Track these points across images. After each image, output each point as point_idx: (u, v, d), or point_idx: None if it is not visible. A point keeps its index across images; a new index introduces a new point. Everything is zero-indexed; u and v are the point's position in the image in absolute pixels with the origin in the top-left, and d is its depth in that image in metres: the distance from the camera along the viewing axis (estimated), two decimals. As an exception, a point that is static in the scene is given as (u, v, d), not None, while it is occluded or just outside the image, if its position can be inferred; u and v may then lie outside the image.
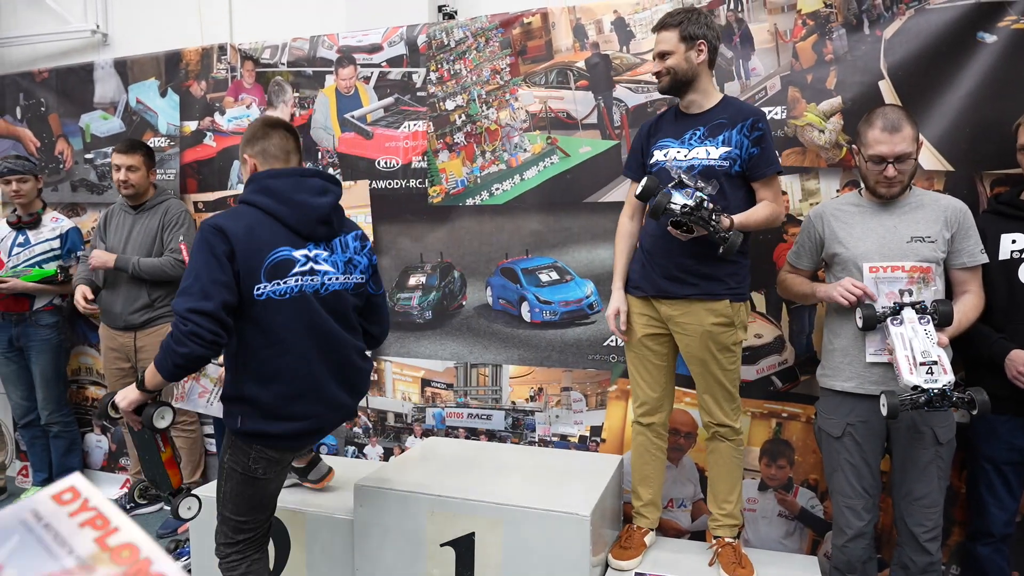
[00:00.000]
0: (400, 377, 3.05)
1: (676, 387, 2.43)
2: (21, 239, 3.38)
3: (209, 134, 3.36)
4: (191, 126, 3.40)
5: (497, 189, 2.87)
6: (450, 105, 2.92)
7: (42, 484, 3.56)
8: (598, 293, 2.74)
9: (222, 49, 3.31)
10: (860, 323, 1.95)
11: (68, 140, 3.69)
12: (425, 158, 2.96)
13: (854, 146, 2.12)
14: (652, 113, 2.62)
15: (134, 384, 1.79)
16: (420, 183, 2.97)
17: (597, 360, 2.75)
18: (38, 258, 3.35)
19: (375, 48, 3.02)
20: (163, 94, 3.45)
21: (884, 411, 1.83)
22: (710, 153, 2.13)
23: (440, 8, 3.16)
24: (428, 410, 3.01)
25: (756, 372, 2.55)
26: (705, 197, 1.95)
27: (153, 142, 3.46)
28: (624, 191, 2.44)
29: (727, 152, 2.11)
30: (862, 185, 2.16)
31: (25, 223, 3.37)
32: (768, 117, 2.46)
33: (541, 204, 2.81)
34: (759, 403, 2.56)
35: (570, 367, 2.79)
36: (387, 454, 3.08)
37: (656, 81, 2.22)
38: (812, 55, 2.46)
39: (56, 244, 3.39)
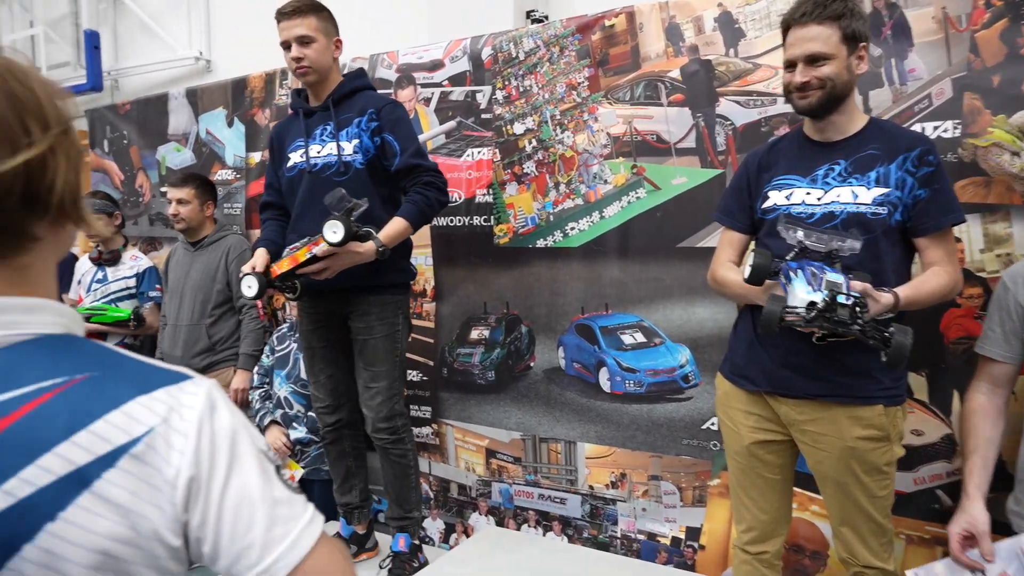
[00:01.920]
0: (463, 444, 2.63)
1: (796, 488, 1.83)
2: (100, 275, 3.33)
3: (271, 166, 3.11)
4: (256, 157, 3.18)
5: (572, 229, 2.37)
6: (519, 128, 2.46)
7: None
8: (695, 362, 2.17)
9: (284, 74, 3.05)
10: None
11: (146, 173, 3.62)
12: (491, 191, 2.52)
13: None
14: (768, 134, 2.02)
15: (366, 248, 1.92)
16: (485, 220, 2.54)
17: (695, 446, 2.19)
18: (112, 296, 3.27)
19: (436, 65, 2.62)
20: (229, 124, 3.26)
21: None
22: (858, 196, 1.51)
23: (528, 14, 2.71)
24: (494, 484, 2.58)
25: (914, 482, 1.89)
26: (842, 286, 1.35)
27: (220, 175, 3.29)
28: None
29: (884, 195, 1.49)
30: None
31: (105, 260, 3.32)
32: (935, 136, 1.81)
33: (624, 248, 2.28)
34: (917, 524, 1.89)
35: (660, 452, 2.24)
36: (448, 530, 2.68)
37: (789, 93, 1.56)
38: (1000, 48, 1.75)
39: (132, 283, 3.31)
